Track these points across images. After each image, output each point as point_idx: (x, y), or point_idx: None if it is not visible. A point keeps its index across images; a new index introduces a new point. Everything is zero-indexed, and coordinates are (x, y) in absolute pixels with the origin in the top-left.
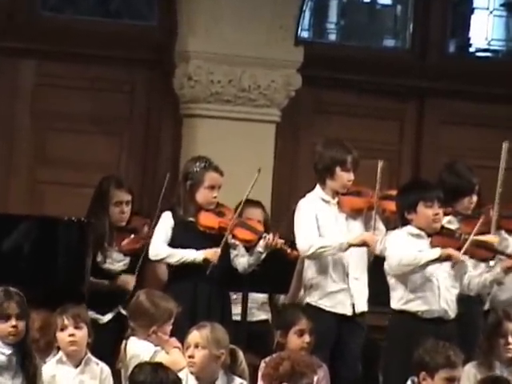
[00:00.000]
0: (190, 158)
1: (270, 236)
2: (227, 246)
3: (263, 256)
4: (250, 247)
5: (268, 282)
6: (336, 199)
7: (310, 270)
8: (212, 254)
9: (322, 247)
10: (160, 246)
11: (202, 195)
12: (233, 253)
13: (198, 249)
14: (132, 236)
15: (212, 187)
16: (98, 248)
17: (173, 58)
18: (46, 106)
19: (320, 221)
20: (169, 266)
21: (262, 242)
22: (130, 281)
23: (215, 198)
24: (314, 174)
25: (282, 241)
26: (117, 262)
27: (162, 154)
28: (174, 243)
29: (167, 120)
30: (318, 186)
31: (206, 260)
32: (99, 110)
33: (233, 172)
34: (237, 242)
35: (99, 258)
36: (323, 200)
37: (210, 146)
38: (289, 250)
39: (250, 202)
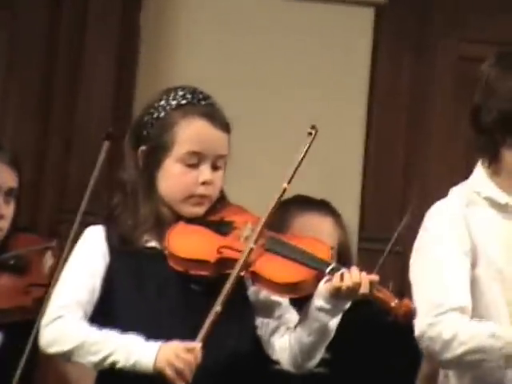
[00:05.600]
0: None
1: (342, 271)
2: (248, 311)
3: (334, 322)
4: (299, 303)
5: None
6: None
7: (453, 376)
8: (180, 357)
9: (479, 349)
10: (68, 322)
11: (170, 179)
12: (261, 324)
13: (161, 327)
14: (12, 279)
15: (194, 158)
16: None
17: None
18: None
19: (483, 255)
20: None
21: (322, 284)
22: None
23: (206, 184)
24: (468, 134)
25: (375, 277)
26: None
27: (94, 82)
28: (102, 307)
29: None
30: (479, 167)
31: (159, 372)
32: None
33: (273, 128)
34: (265, 293)
35: None
36: (492, 202)
37: (210, 63)
38: (393, 303)
39: (306, 203)
